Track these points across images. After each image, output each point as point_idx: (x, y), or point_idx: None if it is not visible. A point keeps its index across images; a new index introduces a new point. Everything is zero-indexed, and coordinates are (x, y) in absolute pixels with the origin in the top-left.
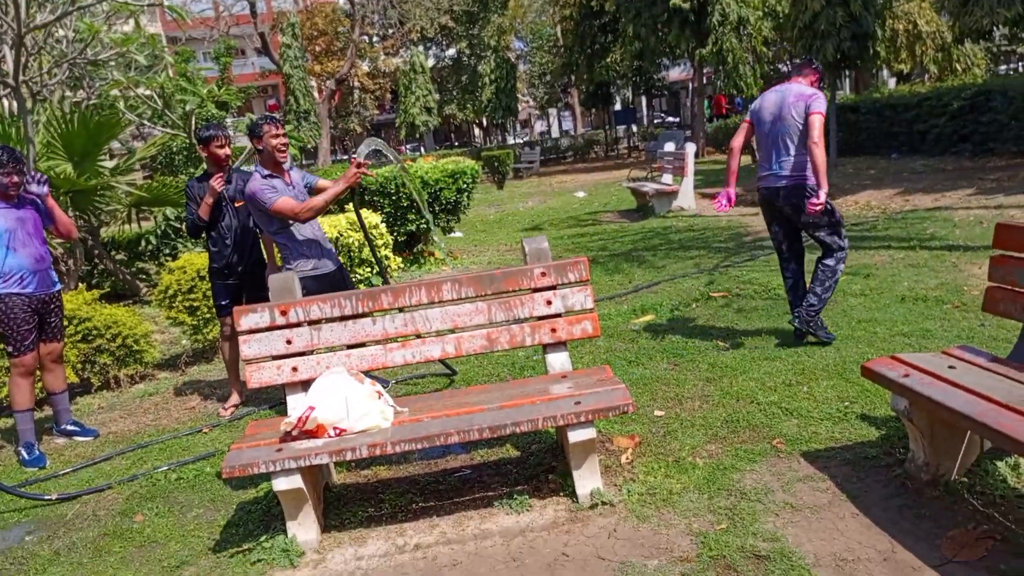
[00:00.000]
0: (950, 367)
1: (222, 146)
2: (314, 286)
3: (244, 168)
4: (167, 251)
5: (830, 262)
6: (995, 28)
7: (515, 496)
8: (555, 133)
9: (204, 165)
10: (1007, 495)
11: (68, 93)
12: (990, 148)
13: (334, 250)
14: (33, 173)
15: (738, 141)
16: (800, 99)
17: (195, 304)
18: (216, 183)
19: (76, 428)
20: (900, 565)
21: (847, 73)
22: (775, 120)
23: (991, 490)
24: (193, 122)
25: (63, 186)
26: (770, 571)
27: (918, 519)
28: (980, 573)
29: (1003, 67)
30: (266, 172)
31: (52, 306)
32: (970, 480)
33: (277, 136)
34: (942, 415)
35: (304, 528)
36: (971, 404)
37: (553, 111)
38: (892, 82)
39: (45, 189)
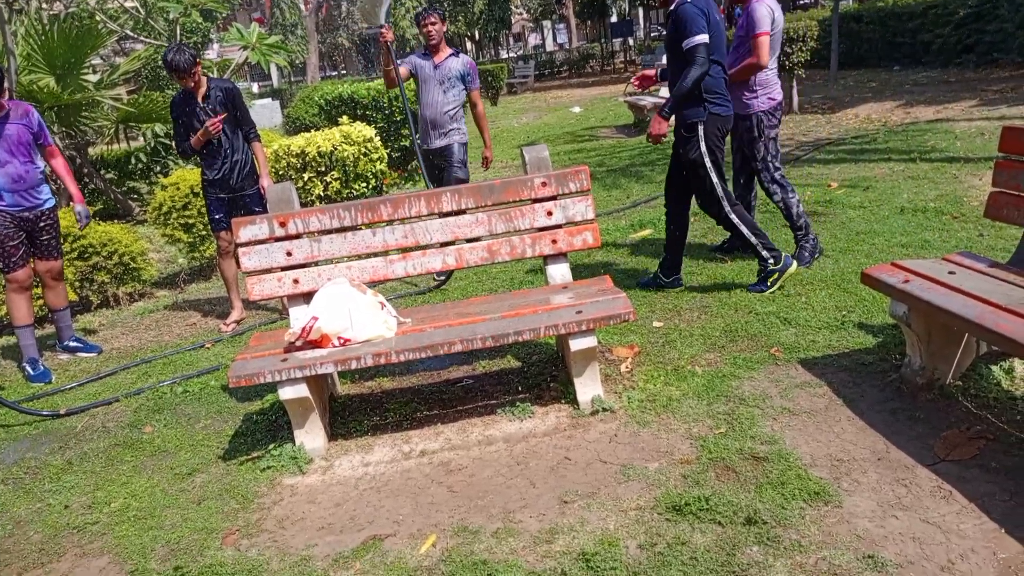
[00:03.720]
0: (950, 272)
1: (185, 78)
2: (424, 159)
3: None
4: (158, 169)
5: None
6: None
7: (517, 404)
8: (549, 47)
9: None
10: (1000, 397)
11: (44, 5)
12: (994, 59)
13: (451, 130)
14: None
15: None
16: None
17: (190, 221)
18: (212, 127)
19: (79, 344)
20: (893, 464)
21: None
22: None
23: (985, 393)
24: (179, 32)
25: (47, 100)
26: (768, 471)
27: (912, 422)
28: (972, 471)
29: None
30: (421, 52)
31: (42, 223)
32: (964, 384)
33: (426, 25)
34: (941, 319)
35: (311, 436)
36: (970, 307)
37: (547, 23)
38: None
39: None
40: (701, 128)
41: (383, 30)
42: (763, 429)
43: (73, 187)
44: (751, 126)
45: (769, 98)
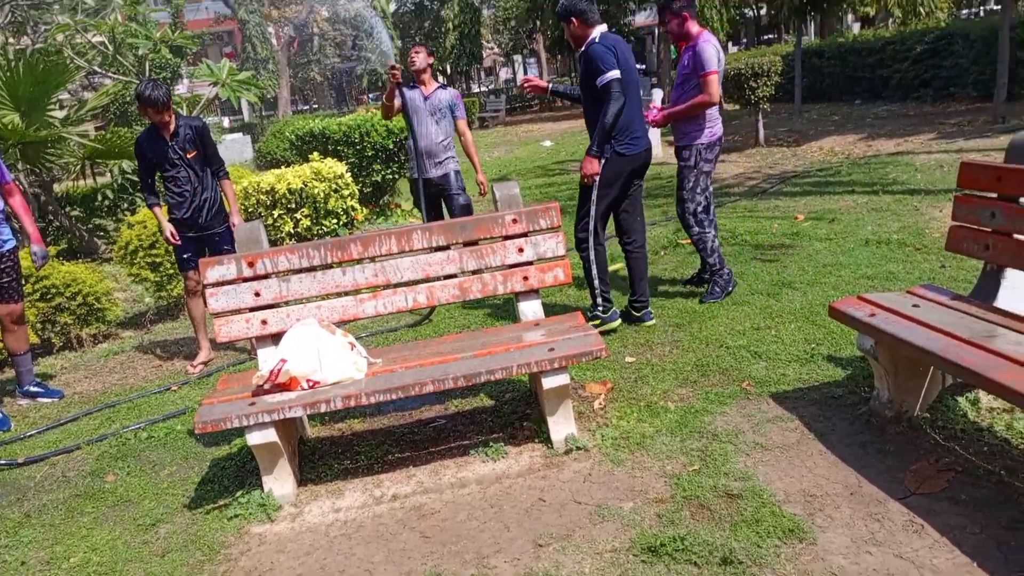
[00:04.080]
0: (914, 306)
1: (161, 112)
2: (424, 189)
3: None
4: (125, 206)
5: None
6: None
7: (490, 444)
8: (520, 81)
9: None
10: (967, 429)
11: (11, 40)
12: (951, 93)
13: (446, 159)
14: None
15: None
16: None
17: (157, 260)
18: (172, 237)
19: (40, 389)
20: (866, 498)
21: (812, 17)
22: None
23: (952, 425)
24: (148, 68)
25: (11, 137)
26: (742, 509)
27: (882, 455)
28: (942, 504)
29: (965, 11)
30: (408, 84)
31: (2, 265)
32: (932, 416)
33: (410, 54)
34: (907, 352)
35: (280, 482)
36: (935, 340)
37: (518, 58)
38: (856, 27)
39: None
40: (601, 162)
41: (394, 71)
42: (736, 465)
43: (31, 226)
44: (688, 156)
45: (711, 133)
